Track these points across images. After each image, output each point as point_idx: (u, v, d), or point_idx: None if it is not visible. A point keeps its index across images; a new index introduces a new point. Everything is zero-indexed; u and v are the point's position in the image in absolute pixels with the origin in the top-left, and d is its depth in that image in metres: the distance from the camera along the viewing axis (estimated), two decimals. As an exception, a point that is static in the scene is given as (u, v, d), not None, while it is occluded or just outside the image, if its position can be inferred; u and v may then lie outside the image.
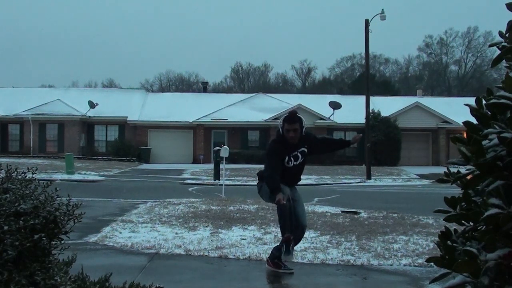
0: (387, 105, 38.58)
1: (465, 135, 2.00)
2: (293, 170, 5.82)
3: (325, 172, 28.48)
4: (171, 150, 38.71)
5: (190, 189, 18.41)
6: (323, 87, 68.89)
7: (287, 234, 5.55)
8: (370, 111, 28.74)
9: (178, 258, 6.46)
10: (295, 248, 6.08)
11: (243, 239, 7.70)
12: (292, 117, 5.80)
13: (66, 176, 21.95)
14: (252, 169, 26.38)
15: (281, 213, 5.60)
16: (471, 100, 2.18)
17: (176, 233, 8.09)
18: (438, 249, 2.15)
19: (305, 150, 5.87)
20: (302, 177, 6.16)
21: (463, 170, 2.05)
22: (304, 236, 6.30)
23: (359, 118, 33.77)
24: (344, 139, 6.67)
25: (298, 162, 5.84)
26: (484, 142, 1.89)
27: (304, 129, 5.83)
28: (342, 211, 11.08)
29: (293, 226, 5.85)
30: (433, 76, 74.02)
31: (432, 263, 2.06)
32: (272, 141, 6.00)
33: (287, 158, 5.75)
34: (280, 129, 5.82)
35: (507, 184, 1.84)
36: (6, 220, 2.68)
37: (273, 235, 7.90)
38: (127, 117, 38.94)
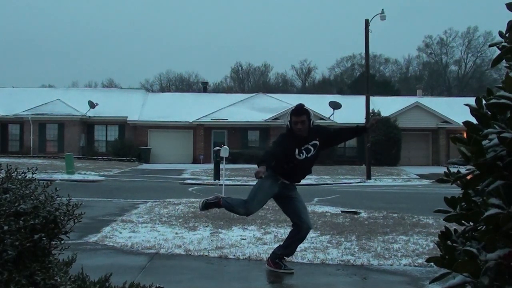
0: (387, 105, 38.58)
1: (465, 135, 2.00)
2: (305, 163, 5.76)
3: (325, 172, 28.48)
4: (171, 150, 38.73)
5: (190, 189, 18.41)
6: (323, 87, 68.87)
7: (217, 198, 6.27)
8: (370, 111, 28.75)
9: (178, 258, 6.46)
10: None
11: (243, 239, 7.70)
12: (299, 109, 5.75)
13: (66, 176, 21.94)
14: (252, 169, 26.35)
15: (228, 203, 6.38)
16: (471, 100, 2.17)
17: (176, 233, 8.09)
18: (438, 249, 2.15)
19: (317, 143, 5.78)
20: None
21: (463, 170, 2.05)
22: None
23: (359, 118, 33.74)
24: (359, 125, 6.14)
25: (310, 155, 5.76)
26: (484, 142, 1.89)
27: (312, 121, 5.78)
28: (342, 211, 11.08)
29: (294, 223, 5.86)
30: (433, 76, 74.01)
31: (432, 263, 2.06)
32: (281, 134, 5.92)
33: (297, 150, 5.67)
34: (288, 123, 5.77)
35: (507, 184, 1.84)
36: (6, 220, 2.68)
37: (273, 235, 7.91)
38: (127, 117, 38.95)
